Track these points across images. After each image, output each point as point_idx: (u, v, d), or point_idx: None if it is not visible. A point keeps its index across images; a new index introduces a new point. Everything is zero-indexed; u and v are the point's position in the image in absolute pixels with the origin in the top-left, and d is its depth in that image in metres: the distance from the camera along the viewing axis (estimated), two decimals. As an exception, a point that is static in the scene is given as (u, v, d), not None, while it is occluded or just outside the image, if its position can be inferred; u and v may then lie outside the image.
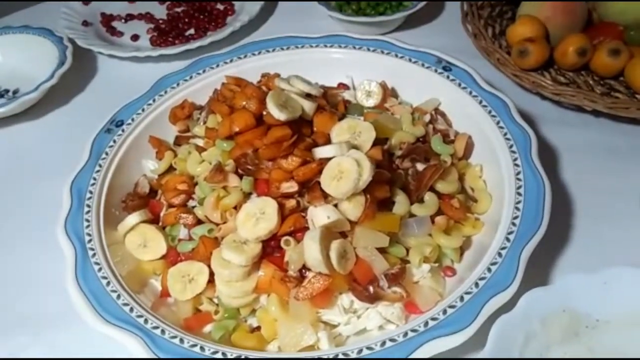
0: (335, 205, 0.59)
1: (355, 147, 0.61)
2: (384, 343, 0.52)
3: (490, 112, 0.71)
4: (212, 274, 0.60)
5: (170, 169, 0.73)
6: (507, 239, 0.58)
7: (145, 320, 0.55)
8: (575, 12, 0.86)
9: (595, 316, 0.53)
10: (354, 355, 0.51)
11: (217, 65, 0.82)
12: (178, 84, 0.80)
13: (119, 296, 0.57)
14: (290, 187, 0.61)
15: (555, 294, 0.53)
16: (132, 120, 0.75)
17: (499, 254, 0.57)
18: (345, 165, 0.58)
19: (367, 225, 0.59)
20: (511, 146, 0.67)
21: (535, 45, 0.80)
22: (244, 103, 0.66)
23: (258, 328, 0.59)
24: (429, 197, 0.65)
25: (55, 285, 0.62)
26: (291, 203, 0.61)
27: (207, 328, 0.60)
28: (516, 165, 0.65)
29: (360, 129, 0.64)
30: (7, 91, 0.95)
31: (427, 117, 0.74)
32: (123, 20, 1.09)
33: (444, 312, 0.53)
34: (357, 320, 0.59)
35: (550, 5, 0.85)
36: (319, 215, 0.58)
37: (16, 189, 0.79)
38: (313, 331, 0.56)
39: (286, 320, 0.57)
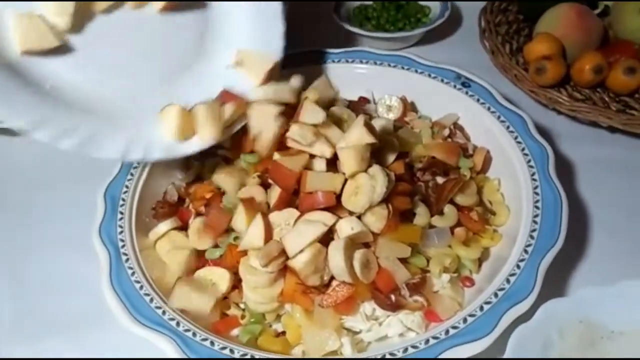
0: (359, 217, 0.61)
1: (379, 162, 0.64)
2: (406, 349, 0.54)
3: (508, 127, 0.73)
4: (239, 280, 0.63)
5: (197, 178, 0.76)
6: (526, 251, 0.60)
7: (177, 323, 0.57)
8: (591, 30, 0.87)
9: (611, 327, 0.55)
10: (377, 361, 0.53)
11: (241, 79, 0.85)
12: (205, 97, 0.83)
13: (151, 300, 0.60)
14: (315, 200, 0.63)
15: (572, 305, 0.55)
16: (162, 131, 0.78)
17: (518, 266, 0.59)
18: (360, 180, 0.61)
19: (389, 236, 0.61)
20: (529, 161, 0.69)
21: (552, 63, 0.82)
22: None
23: (283, 333, 0.62)
24: (448, 209, 0.67)
25: (88, 290, 0.65)
26: (315, 215, 0.63)
27: (234, 332, 0.62)
28: (534, 179, 0.67)
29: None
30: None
31: (446, 132, 0.76)
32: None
33: (464, 320, 0.55)
34: (378, 327, 0.61)
35: (567, 23, 0.87)
36: (343, 227, 0.60)
37: (50, 196, 0.82)
38: (337, 337, 0.58)
39: (310, 326, 0.59)
